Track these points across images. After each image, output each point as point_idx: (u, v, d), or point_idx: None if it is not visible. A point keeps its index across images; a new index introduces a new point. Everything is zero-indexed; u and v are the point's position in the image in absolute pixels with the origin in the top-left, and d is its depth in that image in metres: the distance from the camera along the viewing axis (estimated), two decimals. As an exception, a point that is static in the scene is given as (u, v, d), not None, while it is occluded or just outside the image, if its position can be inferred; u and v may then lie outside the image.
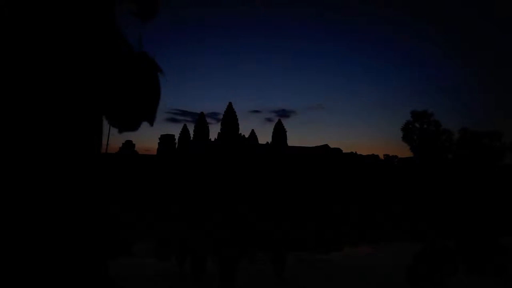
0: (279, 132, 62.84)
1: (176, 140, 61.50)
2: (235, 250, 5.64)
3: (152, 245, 5.85)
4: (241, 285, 3.63)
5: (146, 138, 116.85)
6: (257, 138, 60.93)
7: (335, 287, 3.66)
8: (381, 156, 63.95)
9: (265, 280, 3.79)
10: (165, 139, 59.97)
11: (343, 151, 52.72)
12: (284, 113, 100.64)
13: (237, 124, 61.29)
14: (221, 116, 61.41)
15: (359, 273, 4.24)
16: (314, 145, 55.07)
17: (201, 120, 62.97)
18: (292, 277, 4.01)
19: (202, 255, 5.44)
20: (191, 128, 63.05)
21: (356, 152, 53.41)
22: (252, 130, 61.41)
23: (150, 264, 4.36)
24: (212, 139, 59.11)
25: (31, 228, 0.58)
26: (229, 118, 61.36)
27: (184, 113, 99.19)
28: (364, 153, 57.13)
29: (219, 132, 60.64)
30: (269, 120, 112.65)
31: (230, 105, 62.76)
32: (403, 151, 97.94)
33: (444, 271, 4.75)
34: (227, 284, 3.77)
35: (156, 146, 60.20)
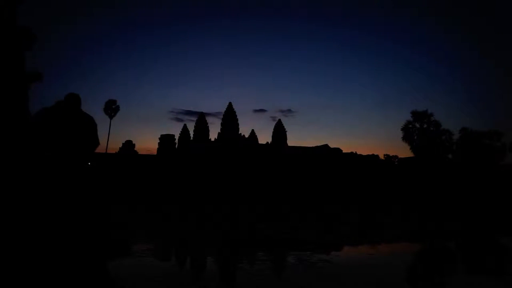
0: (279, 132, 62.88)
1: (176, 140, 61.50)
2: (235, 250, 5.64)
3: (152, 245, 5.84)
4: (241, 285, 3.63)
5: (146, 138, 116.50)
6: (257, 138, 60.98)
7: (335, 287, 3.65)
8: (381, 156, 63.96)
9: (265, 280, 3.79)
10: (165, 139, 59.97)
11: (343, 151, 52.69)
12: (289, 113, 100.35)
13: (237, 124, 61.35)
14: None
15: (359, 273, 4.24)
16: (315, 145, 55.05)
17: (201, 120, 63.00)
18: (292, 277, 4.00)
19: (202, 255, 5.44)
20: (192, 128, 62.99)
21: (356, 152, 53.39)
22: (252, 130, 61.58)
23: (150, 264, 4.35)
24: (213, 139, 59.05)
25: (31, 228, 0.58)
26: (229, 118, 61.43)
27: (188, 112, 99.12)
28: (364, 153, 57.00)
29: (219, 132, 60.69)
30: (274, 119, 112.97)
31: (230, 105, 62.87)
32: (403, 151, 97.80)
33: (444, 271, 4.74)
34: (227, 284, 3.77)
35: (156, 146, 60.17)
